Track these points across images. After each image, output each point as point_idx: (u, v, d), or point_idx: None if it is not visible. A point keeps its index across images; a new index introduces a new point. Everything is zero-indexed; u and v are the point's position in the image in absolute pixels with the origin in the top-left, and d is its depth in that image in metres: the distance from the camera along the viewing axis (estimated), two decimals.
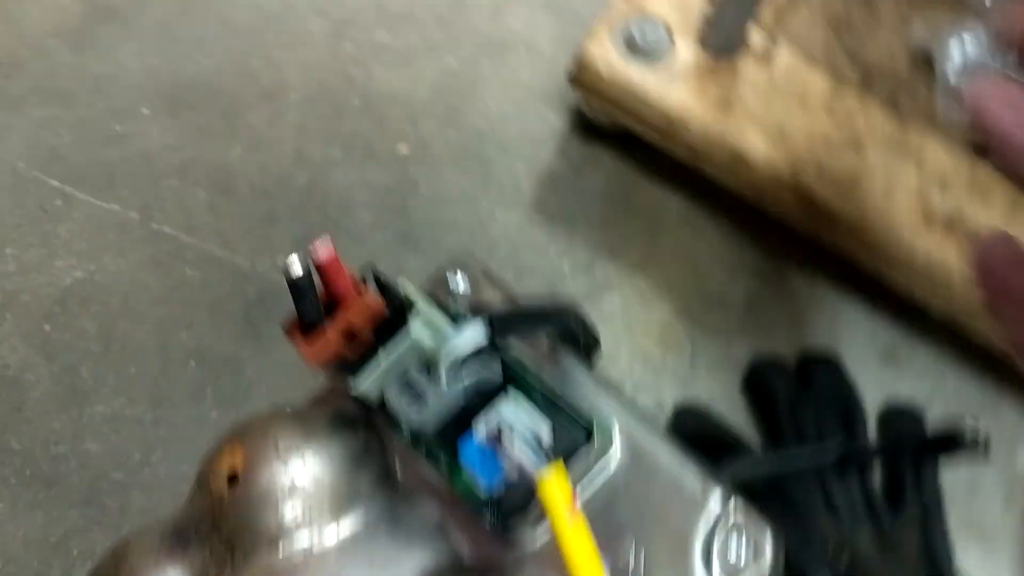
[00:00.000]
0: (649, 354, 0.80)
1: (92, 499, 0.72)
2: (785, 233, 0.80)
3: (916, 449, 0.58)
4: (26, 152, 0.85)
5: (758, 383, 0.77)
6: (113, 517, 0.71)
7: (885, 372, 0.80)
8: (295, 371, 0.77)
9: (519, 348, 0.50)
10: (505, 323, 0.48)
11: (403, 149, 0.87)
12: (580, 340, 0.54)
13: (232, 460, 0.53)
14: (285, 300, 0.82)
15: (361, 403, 0.50)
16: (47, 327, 0.78)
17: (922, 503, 0.70)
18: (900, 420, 0.77)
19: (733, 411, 0.77)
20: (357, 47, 0.91)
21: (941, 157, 0.77)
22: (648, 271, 0.83)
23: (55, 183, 0.84)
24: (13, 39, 0.90)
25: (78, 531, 0.71)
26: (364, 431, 0.51)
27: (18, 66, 0.89)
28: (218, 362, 0.77)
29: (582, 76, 0.79)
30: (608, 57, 0.78)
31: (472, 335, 0.47)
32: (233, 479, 0.51)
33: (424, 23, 0.93)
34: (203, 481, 0.54)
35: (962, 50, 0.83)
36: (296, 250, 0.83)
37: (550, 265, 0.82)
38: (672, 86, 0.77)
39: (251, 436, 0.54)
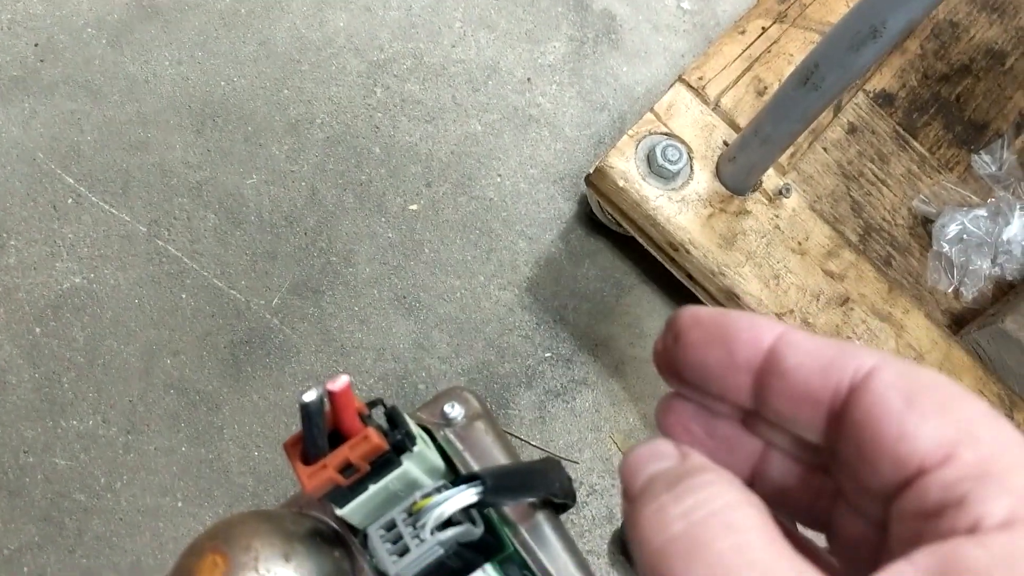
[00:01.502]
0: (610, 458, 0.77)
1: (51, 517, 0.69)
2: None
3: None
4: (48, 143, 0.81)
5: None
6: (69, 540, 0.69)
7: None
8: (268, 419, 0.74)
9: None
10: (499, 485, 0.45)
11: (414, 207, 0.84)
12: (560, 501, 0.52)
13: (213, 570, 0.51)
14: (272, 344, 0.79)
15: (341, 524, 0.48)
16: (37, 330, 0.74)
17: None
18: None
19: None
20: (388, 94, 0.87)
21: (921, 332, 0.74)
22: (625, 375, 0.80)
23: (71, 181, 0.80)
24: (54, 22, 0.85)
25: (32, 548, 0.68)
26: (340, 552, 0.49)
27: (54, 51, 0.85)
28: (197, 396, 0.74)
29: (599, 182, 0.76)
30: (628, 171, 0.74)
31: (466, 496, 0.45)
32: None
33: (456, 82, 0.88)
34: None
35: (962, 224, 0.80)
36: (292, 294, 0.80)
37: (533, 353, 0.79)
38: (682, 212, 0.74)
39: (232, 546, 0.52)
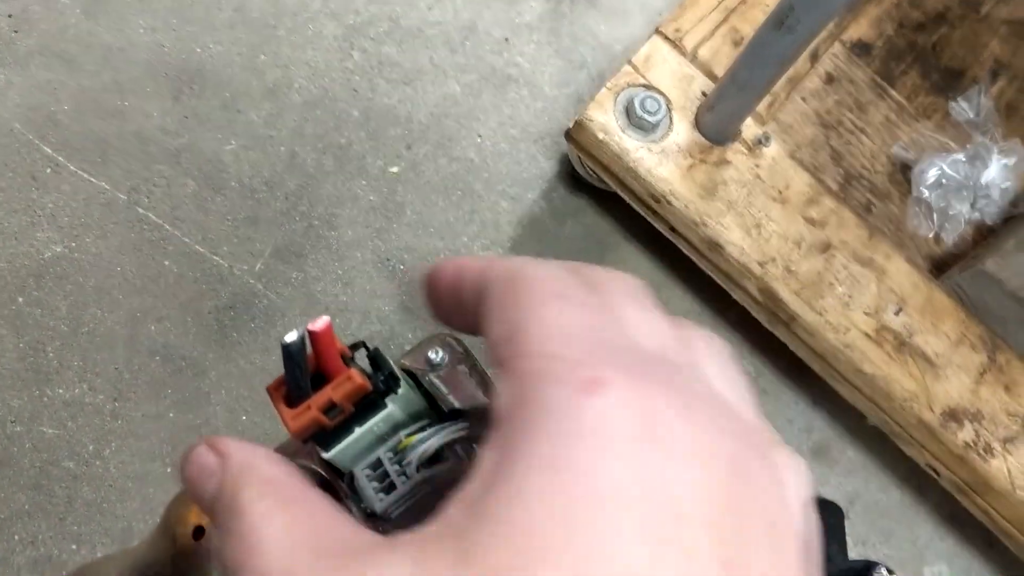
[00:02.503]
0: None
1: (41, 485, 0.69)
2: (745, 319, 0.78)
3: None
4: (24, 114, 0.79)
5: None
6: (59, 507, 0.68)
7: (815, 466, 0.78)
8: (255, 382, 0.74)
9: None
10: (483, 421, 0.45)
11: (395, 169, 0.83)
12: None
13: (201, 516, 0.51)
14: (256, 308, 0.79)
15: (327, 469, 0.48)
16: (20, 299, 0.74)
17: None
18: (822, 516, 0.76)
19: None
20: (365, 57, 0.86)
21: (902, 276, 0.74)
22: None
23: (48, 150, 0.79)
24: None
25: (23, 515, 0.68)
26: (326, 495, 0.48)
27: (29, 22, 0.83)
28: (182, 362, 0.74)
29: (579, 136, 0.75)
30: (607, 124, 0.74)
31: (451, 432, 0.44)
32: (199, 534, 0.49)
33: (434, 43, 0.88)
34: (168, 528, 0.51)
35: (940, 168, 0.80)
36: (275, 259, 0.79)
37: None
38: (662, 163, 0.74)
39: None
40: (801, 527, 0.21)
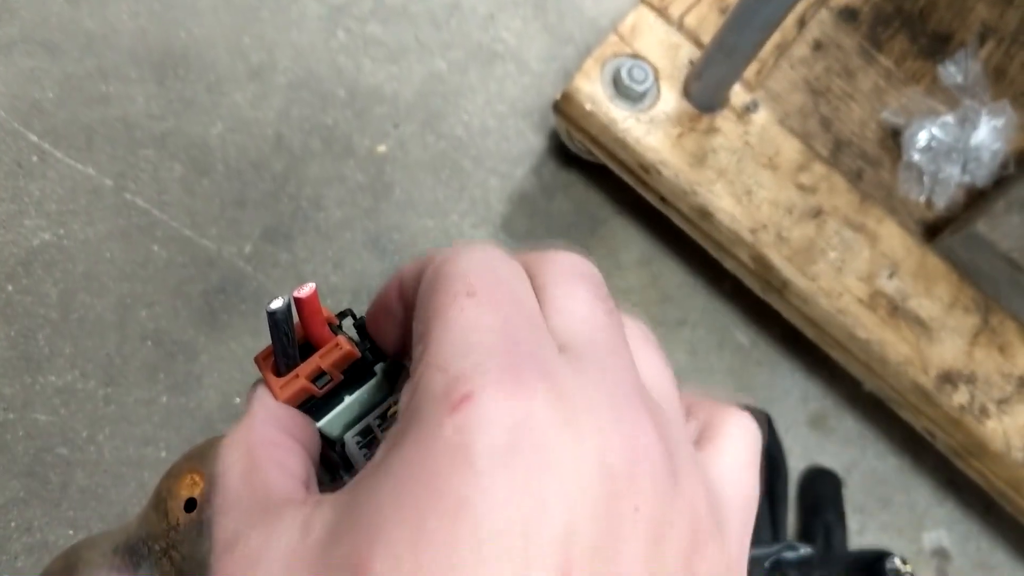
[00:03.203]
0: None
1: (35, 471, 0.68)
2: (739, 290, 0.78)
3: (845, 569, 0.56)
4: (8, 102, 0.79)
5: None
6: (54, 493, 0.68)
7: (812, 436, 0.78)
8: (247, 365, 0.73)
9: None
10: None
11: (382, 148, 0.82)
12: None
13: (192, 488, 0.50)
14: (246, 290, 0.78)
15: (320, 438, 0.47)
16: (10, 287, 0.73)
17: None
18: (820, 485, 0.76)
19: None
20: (350, 37, 0.86)
21: (895, 241, 0.74)
22: None
23: (34, 138, 0.78)
24: None
25: (18, 502, 0.67)
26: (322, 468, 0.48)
27: (10, 10, 0.83)
28: (174, 346, 0.73)
29: (567, 108, 0.75)
30: (594, 94, 0.73)
31: None
32: (191, 507, 0.48)
33: (418, 21, 0.87)
34: (160, 503, 0.51)
35: (929, 132, 0.80)
36: (264, 241, 0.79)
37: None
38: (651, 132, 0.73)
39: (209, 465, 0.51)
40: (739, 504, 0.22)
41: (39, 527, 0.67)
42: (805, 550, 0.54)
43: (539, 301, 0.23)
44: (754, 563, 0.55)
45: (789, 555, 0.54)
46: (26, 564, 0.66)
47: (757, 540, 0.70)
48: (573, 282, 0.23)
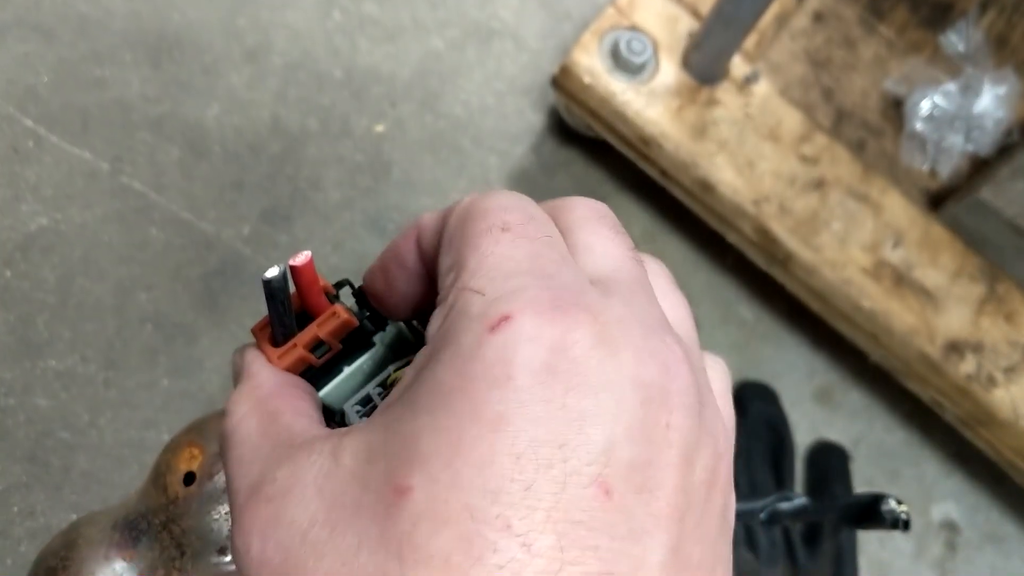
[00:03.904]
0: None
1: (37, 456, 0.68)
2: (742, 264, 0.77)
3: (840, 515, 0.55)
4: (3, 87, 0.78)
5: None
6: (56, 477, 0.68)
7: (818, 410, 0.78)
8: None
9: None
10: None
11: (380, 128, 0.82)
12: None
13: (190, 462, 0.50)
14: (246, 273, 0.78)
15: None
16: (8, 273, 0.73)
17: (837, 545, 0.69)
18: (827, 459, 0.76)
19: None
20: (346, 17, 0.85)
21: (898, 211, 0.74)
22: None
23: (29, 123, 0.78)
24: None
25: (20, 487, 0.67)
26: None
27: None
28: (174, 329, 0.73)
29: (565, 81, 0.74)
30: (593, 67, 0.73)
31: None
32: (189, 480, 0.48)
33: (414, 0, 0.86)
34: (159, 477, 0.51)
35: (932, 101, 0.79)
36: (262, 222, 0.78)
37: None
38: (651, 105, 0.73)
39: (208, 439, 0.51)
40: (730, 431, 0.23)
41: (42, 512, 0.66)
42: (800, 500, 0.54)
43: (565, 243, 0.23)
44: (750, 515, 0.55)
45: (784, 505, 0.54)
46: (29, 549, 0.66)
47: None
48: (595, 223, 0.24)
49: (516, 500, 0.17)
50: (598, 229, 0.24)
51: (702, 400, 0.20)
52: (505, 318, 0.19)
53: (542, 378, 0.18)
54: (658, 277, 0.25)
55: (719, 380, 0.24)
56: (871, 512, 0.54)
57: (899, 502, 0.52)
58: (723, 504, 0.21)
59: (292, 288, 0.44)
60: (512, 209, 0.23)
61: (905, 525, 0.52)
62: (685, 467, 0.19)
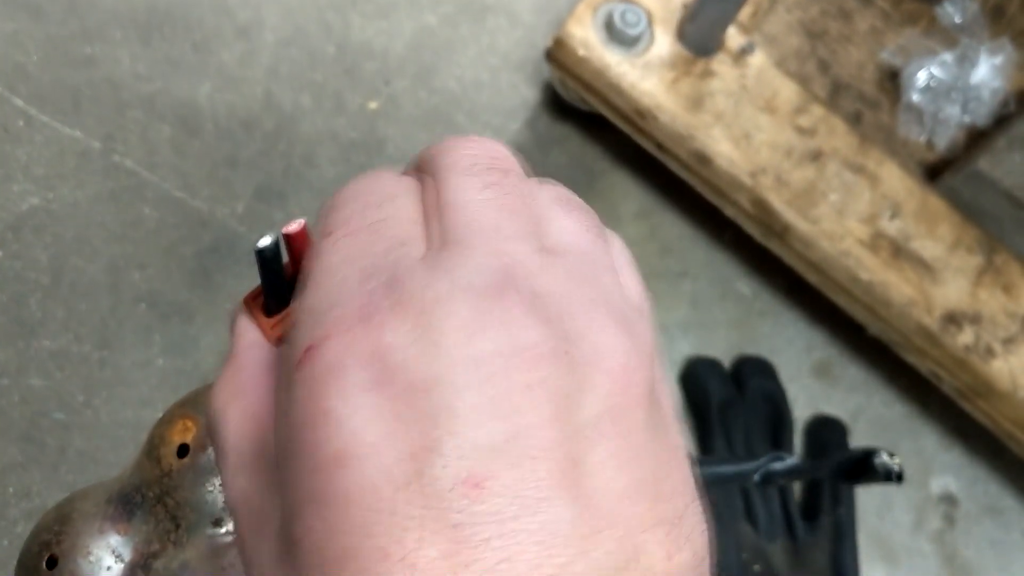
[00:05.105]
0: None
1: (32, 436, 0.68)
2: (740, 240, 0.77)
3: (833, 472, 0.56)
4: None
5: (693, 381, 0.75)
6: (52, 457, 0.68)
7: (817, 385, 0.78)
8: None
9: None
10: None
11: (373, 105, 0.82)
12: None
13: (184, 434, 0.50)
14: (240, 250, 0.77)
15: None
16: (0, 253, 0.73)
17: (835, 519, 0.69)
18: (826, 433, 0.76)
19: None
20: None
21: (895, 182, 0.74)
22: None
23: (19, 102, 0.77)
24: None
25: (15, 467, 0.67)
26: None
27: None
28: (168, 308, 0.73)
29: (559, 54, 0.74)
30: (587, 39, 0.73)
31: None
32: (183, 452, 0.48)
33: None
34: (153, 450, 0.51)
35: (928, 72, 0.79)
36: (256, 200, 0.78)
37: None
38: (646, 77, 0.73)
39: (201, 411, 0.51)
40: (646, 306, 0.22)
41: (37, 492, 0.67)
42: (792, 459, 0.55)
43: (434, 199, 0.22)
44: (744, 477, 0.55)
45: (777, 466, 0.55)
46: (25, 529, 0.66)
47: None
48: (462, 174, 0.22)
49: (384, 528, 0.17)
50: (462, 181, 0.22)
51: (569, 334, 0.18)
52: (309, 350, 0.18)
53: (367, 398, 0.17)
54: (619, 247, 0.24)
55: (621, 254, 0.23)
56: (864, 466, 0.54)
57: (891, 455, 0.52)
58: (645, 413, 0.19)
59: (285, 257, 0.44)
60: (340, 205, 0.22)
61: (899, 477, 0.53)
62: (565, 416, 0.18)
